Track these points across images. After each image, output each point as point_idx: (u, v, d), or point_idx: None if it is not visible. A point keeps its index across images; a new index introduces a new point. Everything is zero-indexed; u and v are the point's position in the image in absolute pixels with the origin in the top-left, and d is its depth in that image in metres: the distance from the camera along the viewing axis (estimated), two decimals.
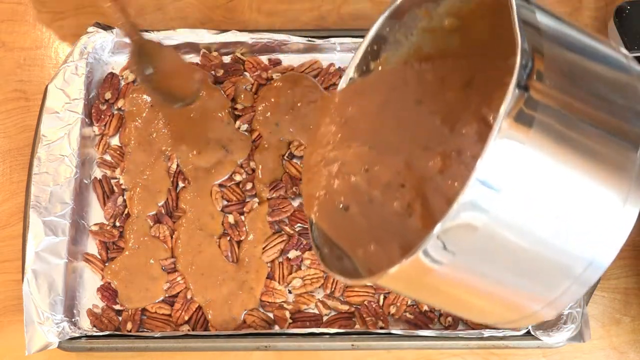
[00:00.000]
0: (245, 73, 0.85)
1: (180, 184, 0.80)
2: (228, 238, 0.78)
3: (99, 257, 0.77)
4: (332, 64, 0.85)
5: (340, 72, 0.85)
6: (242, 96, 0.84)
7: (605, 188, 0.43)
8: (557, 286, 0.45)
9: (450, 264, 0.42)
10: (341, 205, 0.55)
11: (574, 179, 0.42)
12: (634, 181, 0.43)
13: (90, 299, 0.76)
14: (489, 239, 0.42)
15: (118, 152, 0.81)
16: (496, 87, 0.46)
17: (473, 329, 0.73)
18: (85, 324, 0.75)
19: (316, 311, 0.76)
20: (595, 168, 0.43)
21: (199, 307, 0.75)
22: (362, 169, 0.56)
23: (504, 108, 0.39)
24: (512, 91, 0.39)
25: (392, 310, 0.75)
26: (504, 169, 0.40)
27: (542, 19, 0.44)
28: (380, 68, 0.60)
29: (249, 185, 0.80)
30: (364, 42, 0.60)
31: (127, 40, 0.73)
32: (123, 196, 0.79)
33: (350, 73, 0.61)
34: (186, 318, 0.75)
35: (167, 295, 0.76)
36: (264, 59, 0.86)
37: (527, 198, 0.41)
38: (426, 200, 0.50)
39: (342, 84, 0.61)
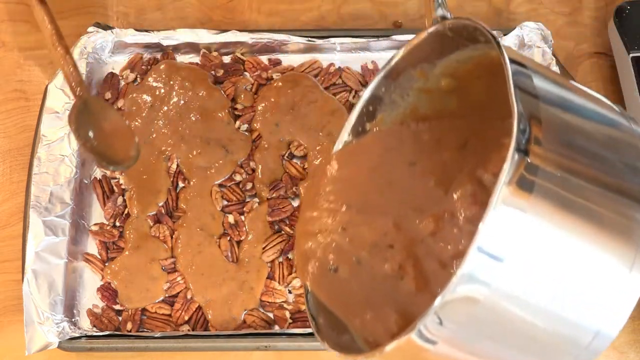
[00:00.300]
0: (245, 73, 0.85)
1: (180, 184, 0.80)
2: (228, 238, 0.78)
3: (99, 257, 0.77)
4: (332, 64, 0.85)
5: (340, 72, 0.85)
6: (242, 96, 0.84)
7: (610, 254, 0.41)
8: (562, 358, 0.43)
9: (448, 340, 0.40)
10: (331, 267, 0.54)
11: (578, 247, 0.41)
12: None
13: (90, 299, 0.76)
14: (490, 312, 0.40)
15: None
16: (493, 148, 0.46)
17: None
18: (85, 324, 0.75)
19: None
20: (599, 233, 0.41)
21: (199, 307, 0.75)
22: (341, 228, 0.55)
23: (504, 174, 0.37)
24: (511, 157, 0.37)
25: None
26: (505, 237, 0.38)
27: (539, 83, 0.43)
28: (376, 129, 0.59)
29: (249, 185, 0.80)
30: (359, 102, 0.59)
31: (73, 97, 0.72)
32: (123, 196, 0.79)
33: (345, 135, 0.60)
34: (186, 318, 0.75)
35: (167, 295, 0.76)
36: (264, 59, 0.86)
37: (529, 267, 0.40)
38: (418, 262, 0.48)
39: (338, 145, 0.60)
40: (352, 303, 0.52)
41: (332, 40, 0.85)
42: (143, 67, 0.85)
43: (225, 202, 0.80)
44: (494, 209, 0.37)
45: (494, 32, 0.44)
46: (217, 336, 0.72)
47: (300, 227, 0.59)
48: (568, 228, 0.40)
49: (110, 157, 0.72)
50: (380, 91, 0.59)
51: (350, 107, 0.83)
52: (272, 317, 0.75)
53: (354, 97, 0.84)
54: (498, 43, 0.43)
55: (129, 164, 0.72)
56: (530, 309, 0.40)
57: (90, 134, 0.71)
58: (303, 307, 0.75)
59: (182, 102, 0.83)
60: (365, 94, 0.59)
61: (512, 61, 0.41)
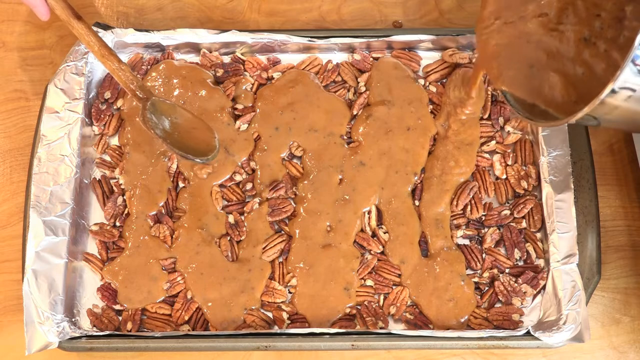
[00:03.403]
0: (246, 73, 0.85)
1: (180, 184, 0.80)
2: (228, 238, 0.78)
3: (99, 257, 0.77)
4: (329, 61, 0.85)
5: (338, 68, 0.85)
6: (242, 96, 0.84)
7: None
8: None
9: None
10: (528, 65, 0.62)
11: None
12: None
13: (90, 298, 0.76)
14: None
15: (117, 152, 0.81)
16: None
17: (473, 329, 0.73)
18: (86, 323, 0.75)
19: None
20: None
21: (199, 307, 0.75)
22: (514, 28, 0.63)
23: None
24: None
25: (392, 310, 0.75)
26: None
27: None
28: None
29: (249, 185, 0.80)
30: None
31: (137, 102, 0.74)
32: (123, 196, 0.79)
33: None
34: (186, 318, 0.75)
35: (167, 295, 0.76)
36: (263, 58, 0.86)
37: None
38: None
39: None
40: (549, 91, 0.59)
41: (332, 40, 0.85)
42: (143, 67, 0.85)
43: (225, 202, 0.80)
44: None
45: None
46: (217, 336, 0.72)
47: (482, 38, 0.68)
48: None
49: (195, 150, 0.74)
50: None
51: (349, 104, 0.83)
52: (272, 317, 0.75)
53: (354, 94, 0.84)
54: None
55: (214, 155, 0.74)
56: None
57: (170, 128, 0.73)
58: (301, 309, 0.75)
59: (182, 102, 0.83)
60: None
61: None
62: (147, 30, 0.85)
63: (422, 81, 0.84)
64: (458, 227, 0.78)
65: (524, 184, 0.78)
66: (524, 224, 0.78)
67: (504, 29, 0.66)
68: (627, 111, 0.52)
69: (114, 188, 0.80)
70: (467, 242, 0.78)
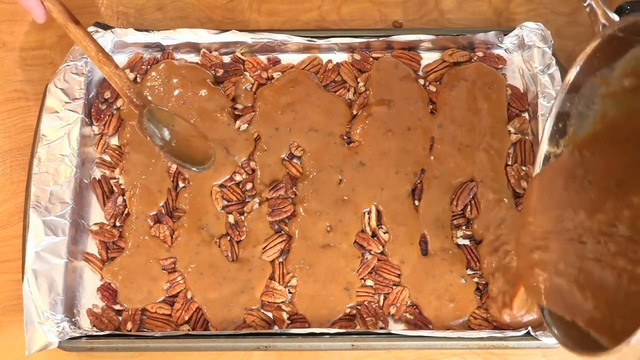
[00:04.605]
0: (246, 73, 0.85)
1: (180, 184, 0.80)
2: (228, 238, 0.78)
3: (99, 257, 0.77)
4: (329, 61, 0.86)
5: (338, 68, 0.85)
6: (242, 96, 0.84)
7: None
8: None
9: None
10: (570, 282, 0.56)
11: None
12: None
13: (90, 298, 0.76)
14: None
15: (117, 152, 0.81)
16: None
17: (473, 329, 0.73)
18: (86, 323, 0.75)
19: None
20: None
21: (199, 307, 0.75)
22: (561, 248, 0.57)
23: None
24: None
25: (392, 310, 0.75)
26: None
27: None
28: (570, 145, 0.62)
29: (249, 185, 0.80)
30: (548, 123, 0.62)
31: (133, 108, 0.74)
32: (123, 196, 0.79)
33: (542, 156, 0.63)
34: (186, 318, 0.75)
35: (167, 295, 0.76)
36: (263, 58, 0.86)
37: None
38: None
39: (537, 168, 0.63)
40: (591, 308, 0.53)
41: (332, 40, 0.85)
42: (143, 66, 0.85)
43: (225, 202, 0.80)
44: None
45: None
46: (217, 336, 0.72)
47: (523, 257, 0.62)
48: None
49: (192, 158, 0.73)
50: (566, 107, 0.61)
51: (349, 104, 0.83)
52: (272, 317, 0.75)
53: (354, 94, 0.84)
54: None
55: (210, 164, 0.74)
56: None
57: (167, 136, 0.73)
58: (301, 310, 0.75)
59: (182, 102, 0.83)
60: (552, 112, 0.62)
61: None
62: (147, 30, 0.85)
63: (422, 81, 0.84)
64: (458, 227, 0.78)
65: (524, 184, 0.78)
66: None
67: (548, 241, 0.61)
68: None
69: (114, 188, 0.80)
70: (467, 242, 0.78)
